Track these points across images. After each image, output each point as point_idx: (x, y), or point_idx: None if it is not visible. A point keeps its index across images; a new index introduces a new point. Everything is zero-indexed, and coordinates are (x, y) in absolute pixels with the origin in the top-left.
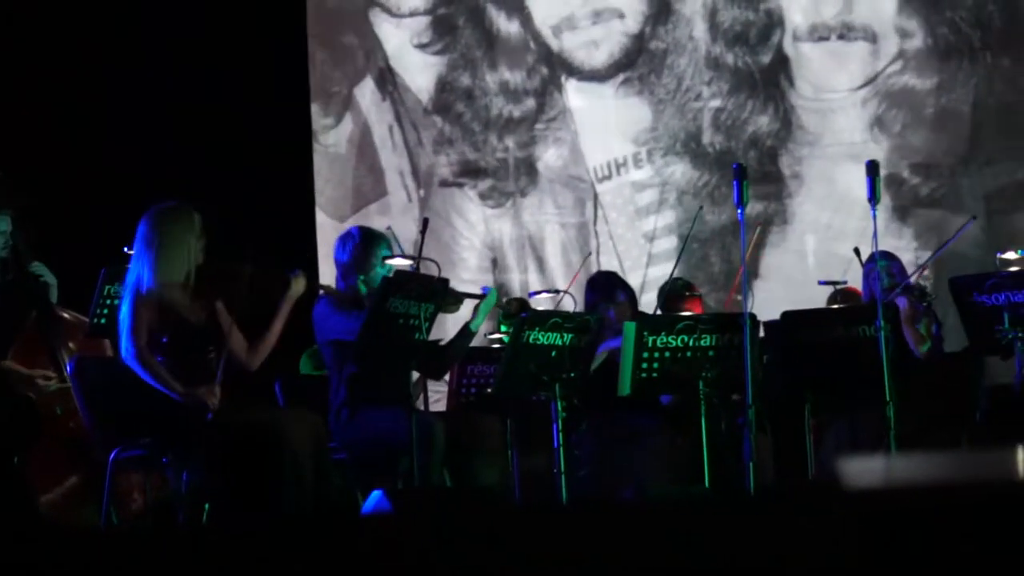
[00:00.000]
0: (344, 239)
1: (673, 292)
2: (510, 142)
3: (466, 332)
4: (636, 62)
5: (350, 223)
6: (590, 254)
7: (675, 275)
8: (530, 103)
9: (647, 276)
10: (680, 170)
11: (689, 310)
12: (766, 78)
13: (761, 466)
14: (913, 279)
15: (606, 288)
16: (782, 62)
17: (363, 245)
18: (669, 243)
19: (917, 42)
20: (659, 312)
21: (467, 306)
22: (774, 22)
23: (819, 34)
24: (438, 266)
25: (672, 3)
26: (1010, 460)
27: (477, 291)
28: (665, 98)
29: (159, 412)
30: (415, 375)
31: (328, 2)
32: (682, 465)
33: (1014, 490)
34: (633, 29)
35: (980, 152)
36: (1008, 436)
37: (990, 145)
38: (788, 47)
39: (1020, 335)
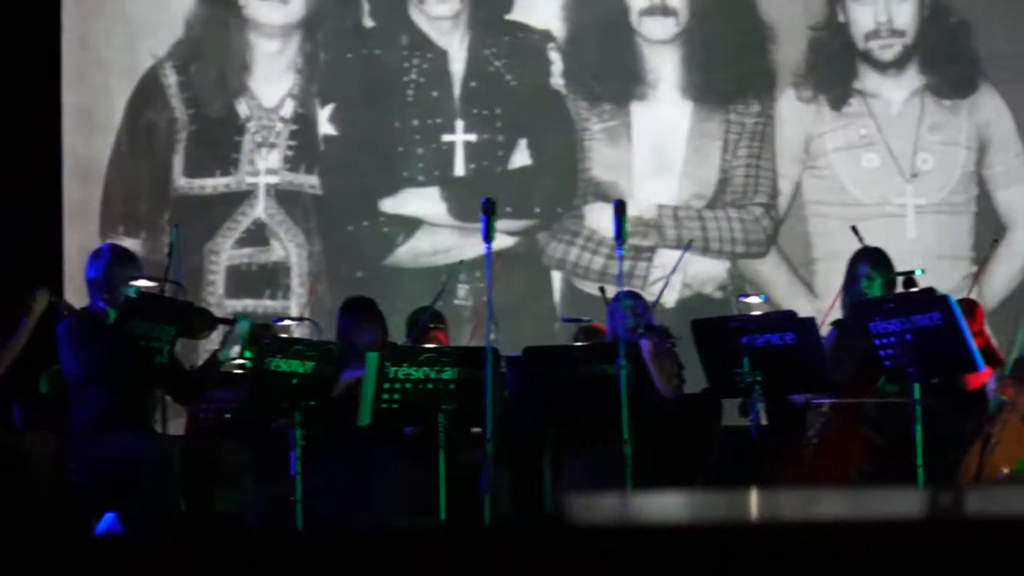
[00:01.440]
0: (95, 256)
1: (421, 322)
2: (260, 165)
3: (214, 360)
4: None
5: (100, 241)
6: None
7: (426, 305)
8: (279, 127)
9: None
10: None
11: (436, 341)
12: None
13: (498, 500)
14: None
15: (359, 314)
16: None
17: (112, 264)
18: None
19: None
20: (408, 342)
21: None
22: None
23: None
24: (184, 289)
25: (431, 37)
26: (744, 502)
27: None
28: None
29: None
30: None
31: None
32: (420, 496)
33: (747, 532)
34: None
35: (724, 197)
36: (743, 478)
37: (733, 192)
38: (556, 81)
39: (759, 378)
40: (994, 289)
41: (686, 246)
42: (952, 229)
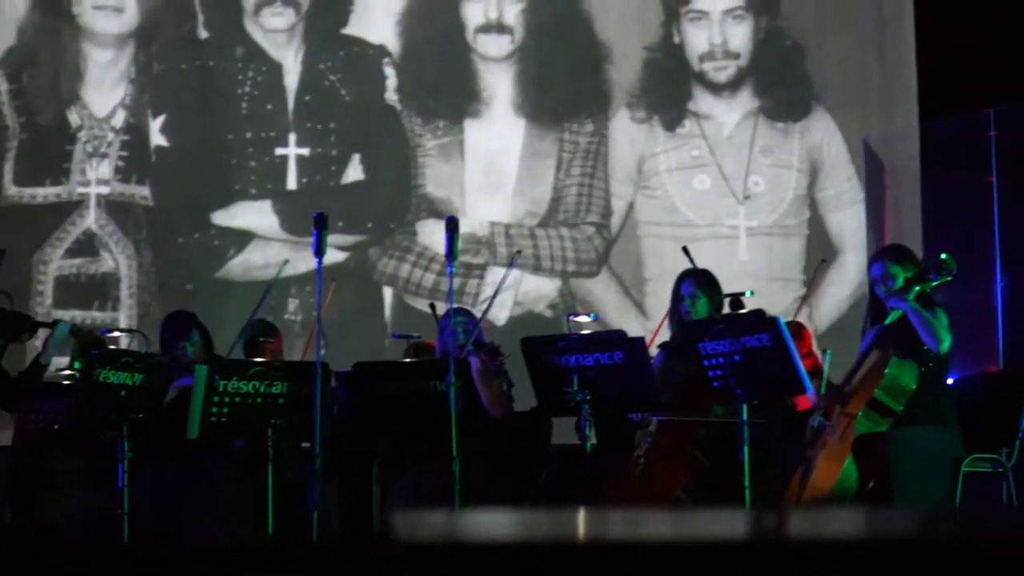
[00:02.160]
0: None
1: (253, 335)
2: (91, 175)
3: (36, 365)
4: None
5: None
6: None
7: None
8: (111, 137)
9: None
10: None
11: (269, 354)
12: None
13: (326, 515)
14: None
15: (181, 328)
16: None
17: None
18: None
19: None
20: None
21: None
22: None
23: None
24: (10, 297)
25: (266, 49)
26: (571, 521)
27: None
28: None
29: None
30: None
31: None
32: (248, 510)
33: (574, 551)
34: None
35: (557, 216)
36: (571, 497)
37: (566, 211)
38: (390, 97)
39: (587, 397)
40: (824, 312)
41: (512, 259)
42: (783, 251)
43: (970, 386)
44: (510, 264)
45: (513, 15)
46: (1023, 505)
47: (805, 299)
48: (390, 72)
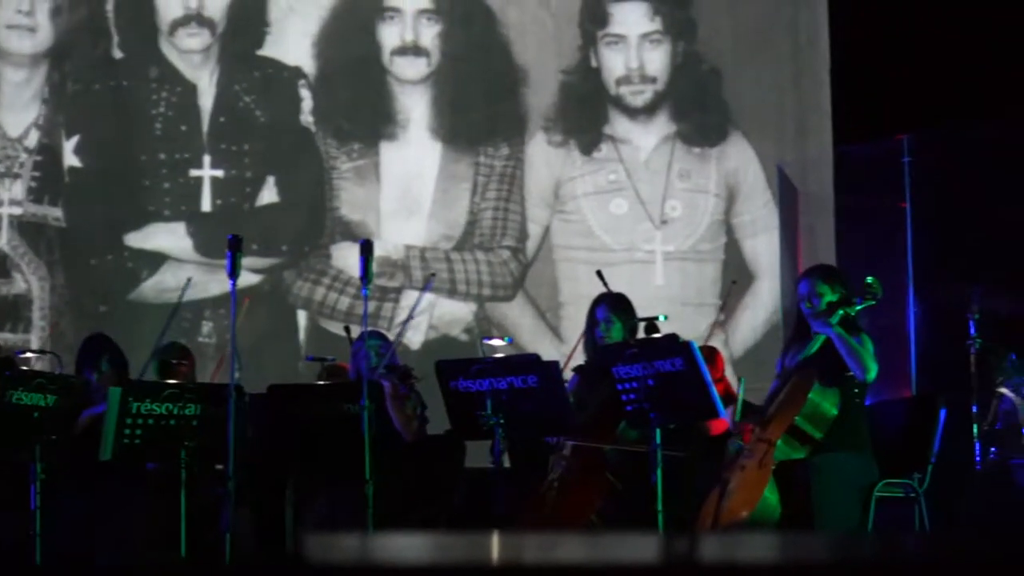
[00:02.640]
0: None
1: (166, 357)
2: (3, 196)
3: None
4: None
5: None
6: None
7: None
8: (23, 157)
9: None
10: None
11: (182, 376)
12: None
13: (239, 537)
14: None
15: (94, 351)
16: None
17: None
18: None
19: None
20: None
21: None
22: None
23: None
24: None
25: (180, 70)
26: (485, 544)
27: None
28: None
29: None
30: None
31: None
32: (161, 532)
33: (487, 575)
34: None
35: (472, 240)
36: (485, 520)
37: (481, 234)
38: (306, 119)
39: (501, 421)
40: (740, 338)
41: (427, 282)
42: (699, 276)
43: (883, 411)
44: (424, 287)
45: (429, 38)
46: (935, 530)
47: (718, 323)
48: (305, 94)
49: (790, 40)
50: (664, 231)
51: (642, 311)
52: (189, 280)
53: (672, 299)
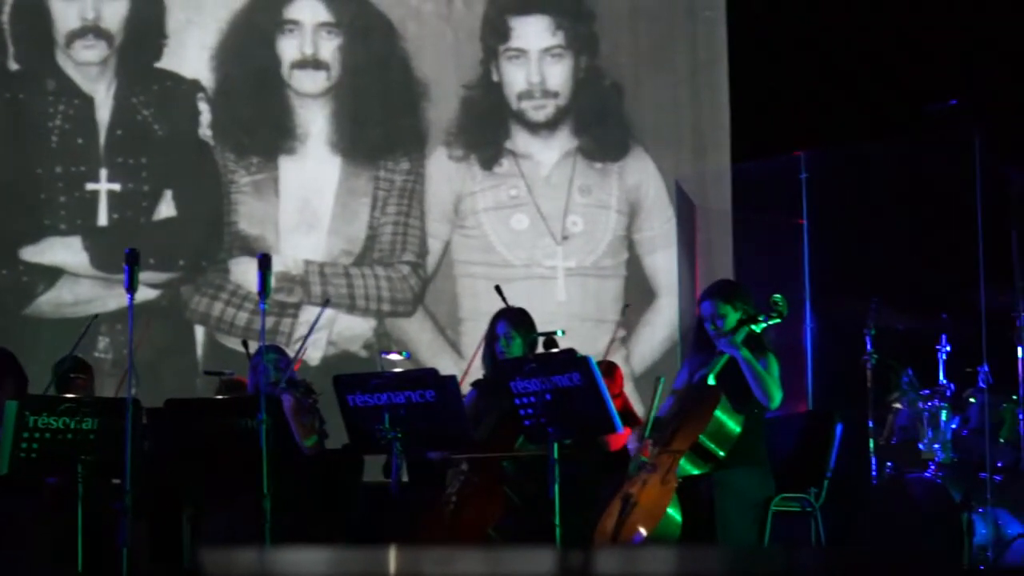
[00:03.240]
0: None
1: (64, 371)
2: None
3: None
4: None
5: None
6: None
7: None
8: None
9: None
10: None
11: (80, 390)
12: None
13: (136, 552)
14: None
15: None
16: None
17: None
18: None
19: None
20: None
21: None
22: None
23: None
24: None
25: (77, 83)
26: (383, 559)
27: None
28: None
29: None
30: None
31: None
32: (58, 547)
33: None
34: None
35: (372, 255)
36: (383, 534)
37: (381, 250)
38: (204, 132)
39: (399, 435)
40: (640, 355)
41: (324, 303)
42: (601, 293)
43: (780, 426)
44: (323, 304)
45: (329, 51)
46: (831, 545)
47: (617, 339)
48: (204, 107)
49: (689, 56)
50: (565, 247)
51: (544, 327)
52: (96, 316)
53: (573, 315)
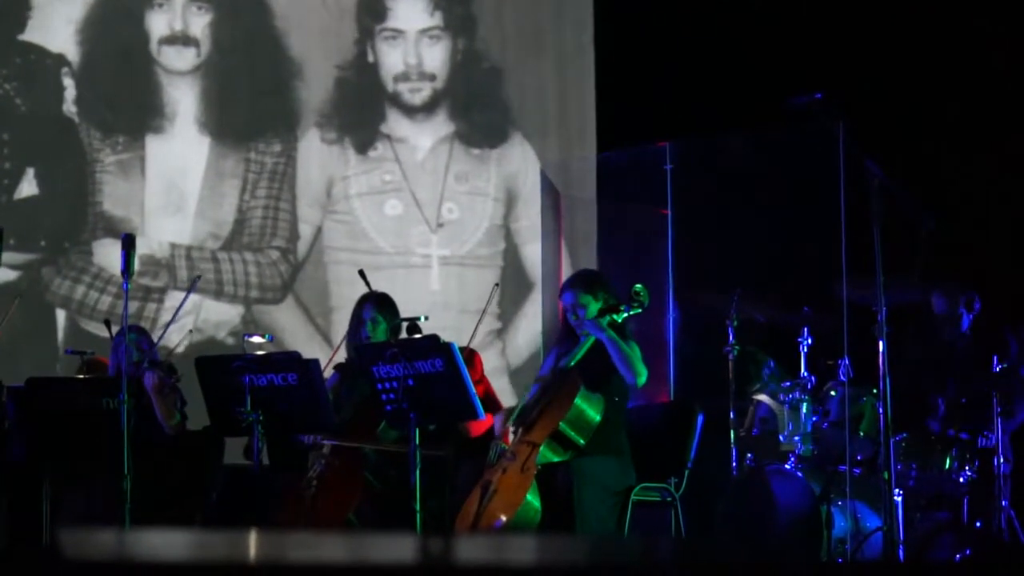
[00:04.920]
0: None
1: None
2: None
3: None
4: None
5: None
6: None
7: None
8: None
9: None
10: None
11: None
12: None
13: None
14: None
15: None
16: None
17: None
18: None
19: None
20: None
21: None
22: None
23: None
24: None
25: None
26: (243, 542)
27: None
28: None
29: None
30: None
31: None
32: None
33: (245, 573)
34: None
35: (241, 239)
36: (243, 517)
37: (250, 234)
38: (68, 109)
39: (260, 418)
40: (519, 346)
41: (192, 283)
42: (477, 283)
43: (641, 416)
44: (189, 288)
45: (199, 27)
46: (690, 535)
47: (479, 325)
48: (69, 83)
49: (558, 44)
50: (440, 235)
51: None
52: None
53: (449, 305)
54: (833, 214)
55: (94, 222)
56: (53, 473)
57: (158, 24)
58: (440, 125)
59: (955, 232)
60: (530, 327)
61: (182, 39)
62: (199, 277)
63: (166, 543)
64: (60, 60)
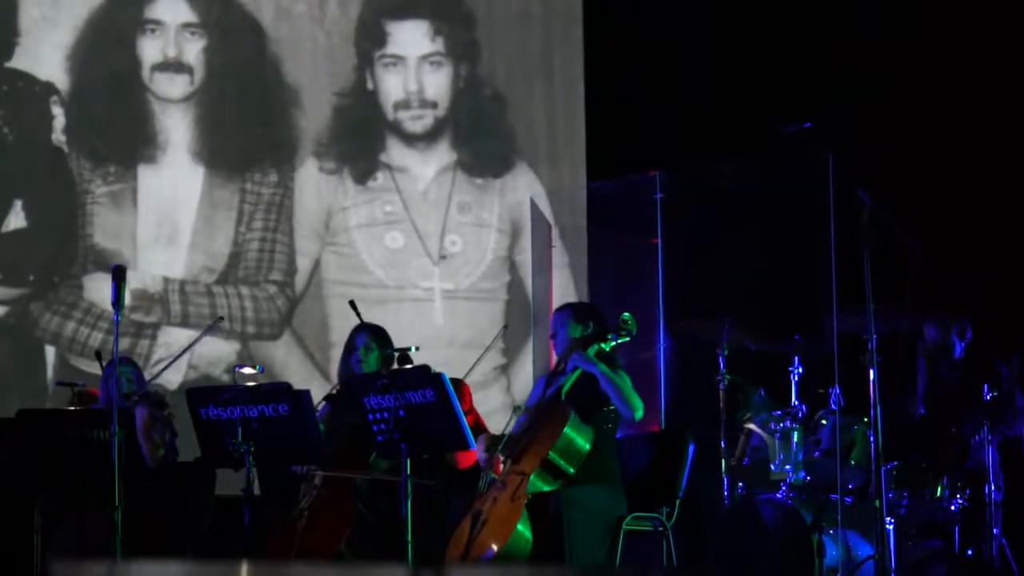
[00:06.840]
0: None
1: None
2: None
3: None
4: None
5: None
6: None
7: None
8: None
9: None
10: None
11: None
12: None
13: None
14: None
15: None
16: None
17: None
18: None
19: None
20: None
21: None
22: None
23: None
24: None
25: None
26: (234, 573)
27: None
28: None
29: None
30: None
31: None
32: None
33: None
34: None
35: (236, 273)
36: (234, 548)
37: (247, 267)
38: (57, 138)
39: (251, 449)
40: (523, 383)
41: (211, 324)
42: (481, 317)
43: (632, 445)
44: (207, 327)
45: (193, 54)
46: (682, 565)
47: (481, 360)
48: (58, 111)
49: (548, 74)
50: (443, 267)
51: (422, 352)
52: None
53: (453, 341)
54: (823, 242)
55: (84, 255)
56: (44, 504)
57: (150, 50)
58: (442, 154)
59: (944, 260)
60: (535, 363)
61: (175, 66)
62: (221, 319)
63: (157, 574)
64: (49, 88)
